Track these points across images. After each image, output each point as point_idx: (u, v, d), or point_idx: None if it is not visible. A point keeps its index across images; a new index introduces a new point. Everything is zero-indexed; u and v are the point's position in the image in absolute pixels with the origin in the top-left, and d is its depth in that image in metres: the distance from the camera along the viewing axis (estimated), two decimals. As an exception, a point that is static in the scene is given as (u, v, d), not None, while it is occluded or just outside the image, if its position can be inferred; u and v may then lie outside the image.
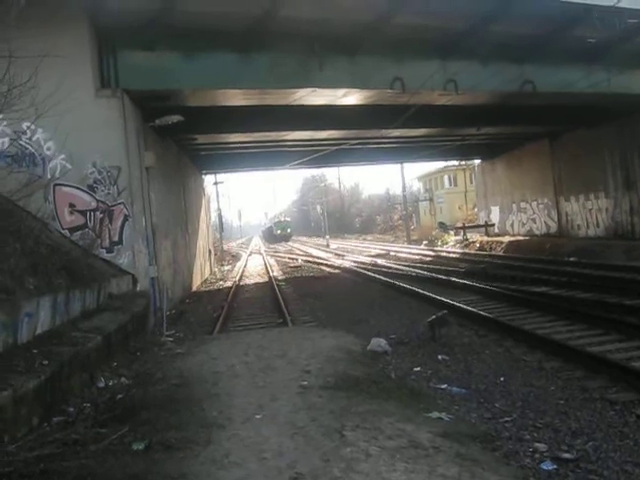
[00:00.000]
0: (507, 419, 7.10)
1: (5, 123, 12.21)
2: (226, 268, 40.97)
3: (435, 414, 6.71)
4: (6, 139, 13.43)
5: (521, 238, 34.44)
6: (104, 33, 14.77)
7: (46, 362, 6.88)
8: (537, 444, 6.26)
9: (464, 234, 41.69)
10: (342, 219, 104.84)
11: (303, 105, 19.10)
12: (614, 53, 19.36)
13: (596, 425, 6.73)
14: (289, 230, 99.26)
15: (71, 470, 4.91)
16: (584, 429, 6.63)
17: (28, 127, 13.33)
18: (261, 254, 55.30)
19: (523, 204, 35.49)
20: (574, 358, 9.36)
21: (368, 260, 34.74)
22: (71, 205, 14.11)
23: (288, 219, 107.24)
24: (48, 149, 13.90)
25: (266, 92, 17.63)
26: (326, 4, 14.96)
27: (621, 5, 15.75)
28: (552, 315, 13.15)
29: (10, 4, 8.92)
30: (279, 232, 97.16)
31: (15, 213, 11.01)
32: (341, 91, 18.18)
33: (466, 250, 36.56)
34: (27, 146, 13.79)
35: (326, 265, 34.77)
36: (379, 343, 11.11)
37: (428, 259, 33.04)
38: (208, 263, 34.85)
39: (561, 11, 16.39)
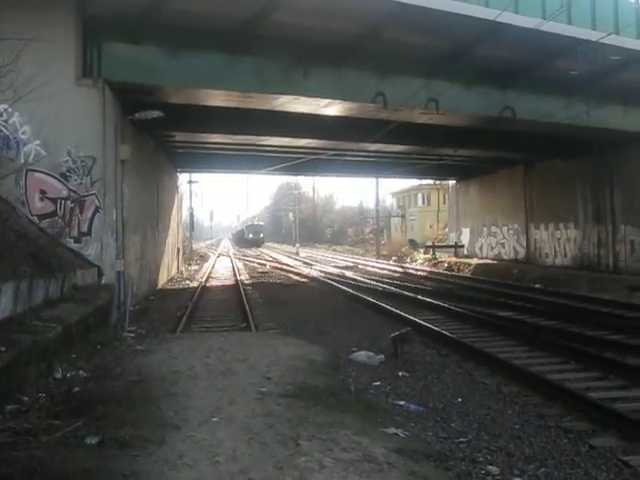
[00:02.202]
0: (462, 440, 7.12)
1: (-19, 104, 12.08)
2: (193, 268, 40.77)
3: (391, 430, 6.71)
4: (-19, 120, 13.26)
5: (489, 261, 34.76)
6: (90, 22, 14.64)
7: (4, 349, 6.77)
8: (490, 467, 6.28)
9: (433, 253, 41.96)
10: (314, 228, 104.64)
11: (284, 112, 19.12)
12: (594, 87, 19.71)
13: (549, 452, 6.77)
14: (262, 235, 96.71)
15: (21, 460, 4.83)
16: (537, 455, 6.67)
17: (5, 109, 13.18)
18: (229, 257, 55.12)
19: (494, 228, 35.85)
20: (533, 384, 9.43)
21: (336, 271, 34.78)
22: (42, 192, 13.96)
23: (261, 223, 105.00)
24: (23, 133, 13.73)
25: (249, 95, 17.61)
26: (319, 14, 15.00)
27: (605, 41, 16.04)
28: (514, 340, 13.25)
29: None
30: (251, 236, 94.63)
31: (-16, 195, 10.87)
32: (324, 101, 18.24)
33: (434, 269, 36.75)
34: (2, 128, 13.63)
35: (294, 273, 34.75)
36: (368, 355, 11.29)
37: (396, 275, 33.16)
38: (176, 261, 34.64)
39: (547, 42, 16.61)
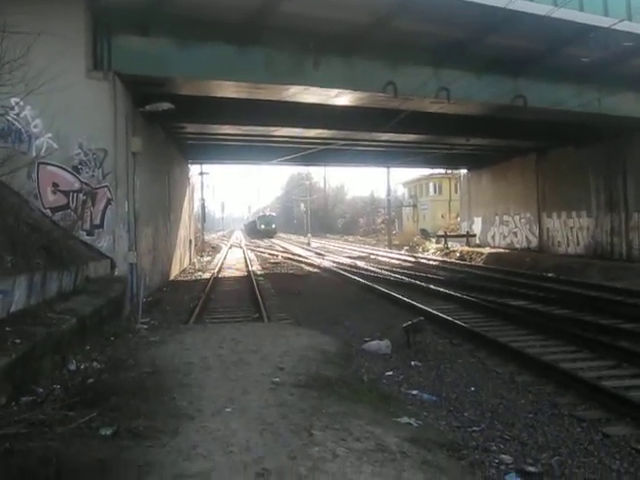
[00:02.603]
0: (475, 429, 7.13)
1: (-7, 97, 12.08)
2: (206, 259, 40.86)
3: (404, 419, 6.73)
4: (-7, 113, 13.30)
5: (502, 250, 34.66)
6: (100, 14, 14.68)
7: (19, 341, 6.83)
8: (503, 456, 6.29)
9: (445, 242, 41.85)
10: (325, 218, 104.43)
11: (295, 102, 19.10)
12: (606, 74, 19.55)
13: (562, 441, 6.77)
14: (274, 226, 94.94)
15: (36, 451, 4.87)
16: (550, 444, 6.67)
17: (17, 103, 13.18)
18: (241, 248, 55.23)
19: (506, 217, 35.72)
20: (546, 373, 9.41)
21: (348, 261, 34.76)
22: (54, 185, 14.02)
23: (273, 214, 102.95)
24: (35, 127, 13.79)
25: (259, 86, 17.59)
26: (328, 3, 14.96)
27: (617, 27, 15.89)
28: (527, 329, 13.21)
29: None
30: (263, 227, 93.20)
31: (-4, 189, 10.92)
32: (334, 91, 18.19)
33: (446, 259, 36.66)
34: (14, 122, 13.67)
35: (306, 263, 34.76)
36: (380, 344, 11.36)
37: (408, 265, 33.10)
38: (188, 253, 34.73)
39: (559, 29, 16.49)
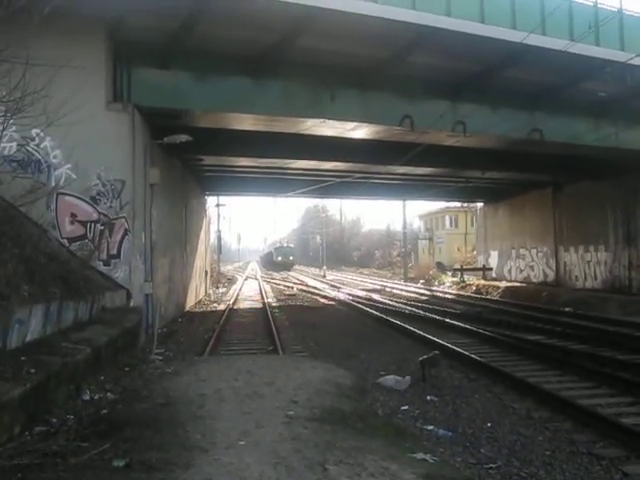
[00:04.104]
0: (492, 466, 7.03)
1: (14, 128, 12.18)
2: (221, 291, 40.88)
3: (420, 455, 6.63)
4: (14, 144, 13.46)
5: (518, 284, 34.42)
6: (120, 47, 14.96)
7: (33, 370, 6.83)
8: (520, 494, 6.19)
9: (461, 276, 41.64)
10: (341, 251, 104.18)
11: (311, 135, 19.21)
12: (623, 108, 19.59)
13: (581, 479, 6.65)
14: (291, 258, 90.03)
15: (49, 482, 4.85)
16: (569, 482, 6.56)
17: (37, 134, 13.40)
18: (257, 279, 55.21)
19: (522, 251, 35.53)
20: (564, 409, 9.28)
21: (363, 294, 34.66)
22: (72, 215, 14.13)
23: (291, 245, 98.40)
24: (55, 157, 13.96)
25: (276, 119, 17.75)
26: (345, 38, 15.12)
27: (633, 62, 15.92)
28: (544, 364, 13.06)
29: (32, 12, 8.97)
30: (280, 259, 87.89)
31: (16, 219, 11.03)
32: (351, 124, 18.30)
33: (462, 292, 36.46)
34: (34, 153, 13.86)
35: (321, 296, 34.70)
36: (396, 379, 11.30)
37: (424, 298, 32.95)
38: (204, 284, 34.78)
39: (575, 63, 16.57)
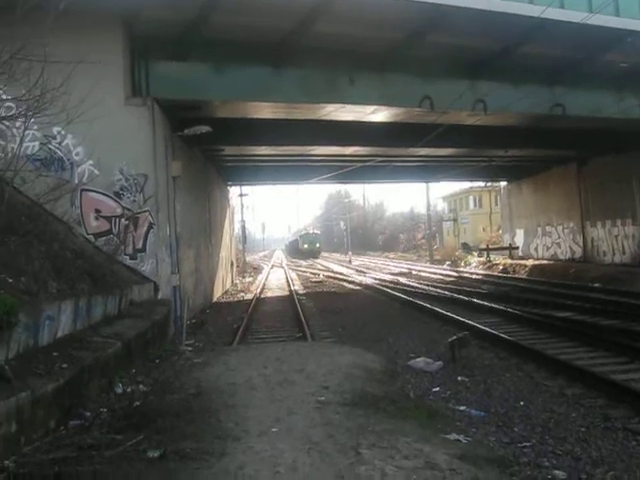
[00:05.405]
0: (526, 444, 6.98)
1: (36, 127, 12.24)
2: (247, 280, 41.01)
3: (453, 436, 6.61)
4: (36, 143, 13.56)
5: (545, 262, 34.14)
6: (137, 41, 14.97)
7: (65, 366, 6.91)
8: (556, 471, 6.13)
9: (487, 256, 41.37)
10: (365, 236, 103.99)
11: (331, 120, 19.14)
12: (646, 79, 19.21)
13: (617, 455, 6.59)
14: (318, 245, 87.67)
15: (85, 475, 4.90)
16: (605, 458, 6.49)
17: (58, 132, 13.47)
18: (283, 267, 55.33)
19: (548, 228, 35.21)
20: (596, 385, 9.20)
21: (390, 278, 34.62)
22: (97, 211, 14.22)
23: (317, 232, 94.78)
24: (77, 154, 14.03)
25: (295, 106, 17.71)
26: (361, 22, 15.02)
27: (655, 31, 15.65)
28: (575, 341, 12.96)
29: (48, 9, 8.98)
30: (306, 246, 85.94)
31: (41, 216, 11.11)
32: (370, 108, 18.21)
33: (489, 272, 36.26)
34: (56, 150, 13.94)
35: (347, 281, 34.72)
36: (426, 361, 11.27)
37: (450, 279, 32.83)
38: (230, 274, 34.93)
39: (595, 35, 16.28)
